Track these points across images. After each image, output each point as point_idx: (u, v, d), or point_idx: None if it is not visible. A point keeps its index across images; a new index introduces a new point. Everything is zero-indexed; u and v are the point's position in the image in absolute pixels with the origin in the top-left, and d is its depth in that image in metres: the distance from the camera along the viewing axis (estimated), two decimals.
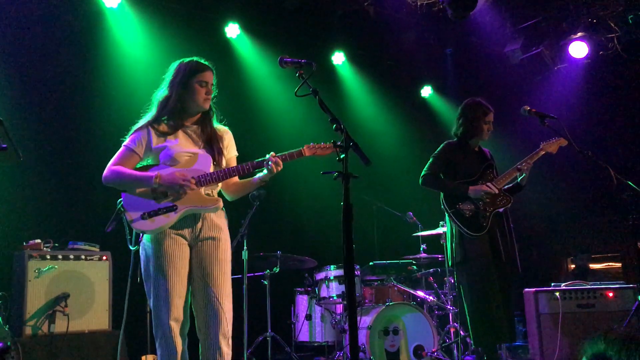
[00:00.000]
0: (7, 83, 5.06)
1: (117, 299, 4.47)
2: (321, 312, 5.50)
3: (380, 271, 5.87)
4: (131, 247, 3.00)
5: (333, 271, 5.26)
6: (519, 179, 4.24)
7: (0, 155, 2.14)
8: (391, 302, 5.17)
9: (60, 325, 4.15)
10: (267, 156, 2.94)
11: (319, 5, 6.65)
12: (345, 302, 5.18)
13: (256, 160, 2.97)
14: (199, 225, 2.96)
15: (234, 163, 3.15)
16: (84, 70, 5.53)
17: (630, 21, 6.65)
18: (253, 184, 3.09)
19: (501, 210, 4.16)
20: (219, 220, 3.03)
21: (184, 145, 3.00)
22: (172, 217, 2.89)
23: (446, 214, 4.20)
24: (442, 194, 4.24)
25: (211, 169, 3.00)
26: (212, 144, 3.07)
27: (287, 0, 6.53)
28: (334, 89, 7.36)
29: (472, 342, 4.06)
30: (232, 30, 6.45)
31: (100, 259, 4.47)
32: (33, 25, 5.25)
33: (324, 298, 5.28)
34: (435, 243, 5.69)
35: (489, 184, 4.16)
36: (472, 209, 4.12)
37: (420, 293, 5.55)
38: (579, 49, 7.09)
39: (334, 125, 2.59)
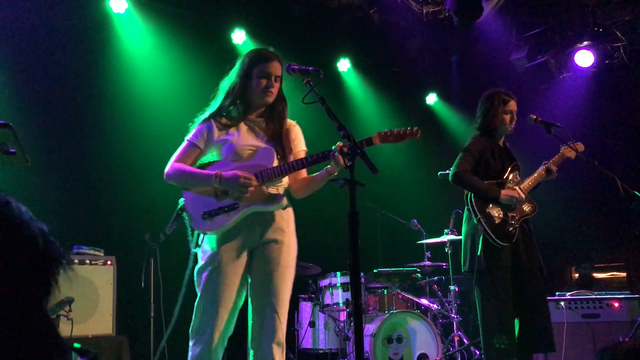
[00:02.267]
0: (16, 88, 5.08)
1: (122, 303, 4.47)
2: (325, 319, 5.48)
3: (384, 279, 5.86)
4: (193, 249, 2.84)
5: (337, 278, 5.26)
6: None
7: (8, 159, 2.15)
8: (395, 310, 5.16)
9: (64, 330, 4.13)
10: (334, 147, 2.70)
11: (324, 12, 6.66)
12: (349, 310, 5.17)
13: (322, 152, 2.75)
14: (262, 226, 2.80)
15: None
16: (91, 75, 5.55)
17: None
18: (319, 179, 2.85)
19: (528, 217, 3.84)
20: (284, 221, 2.86)
21: (246, 138, 2.85)
22: (234, 217, 2.75)
23: (470, 216, 3.81)
24: (470, 194, 3.80)
25: (275, 164, 2.83)
26: (277, 137, 2.89)
27: (293, 7, 6.56)
28: (339, 95, 7.37)
29: (483, 354, 3.77)
30: (238, 36, 6.47)
31: (104, 264, 4.47)
32: (40, 30, 5.27)
33: (328, 305, 5.27)
34: (439, 251, 5.69)
35: (516, 188, 3.83)
36: (501, 215, 3.75)
37: (424, 301, 5.54)
38: (585, 58, 7.08)
39: (341, 133, 2.60)
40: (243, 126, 2.88)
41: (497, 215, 3.74)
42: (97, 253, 4.52)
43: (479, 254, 3.69)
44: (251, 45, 6.64)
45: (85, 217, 5.28)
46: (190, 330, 2.77)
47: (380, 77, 7.67)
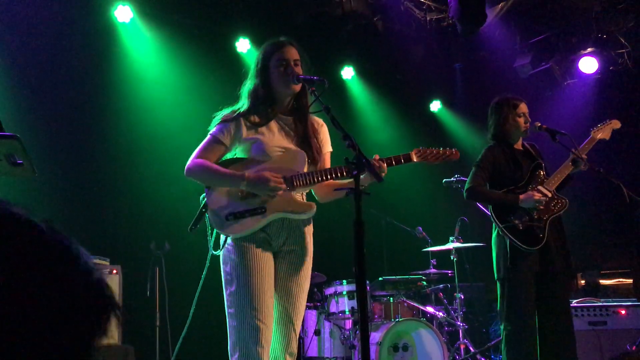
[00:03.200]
0: (22, 98, 5.11)
1: (127, 312, 4.48)
2: (330, 328, 5.47)
3: (389, 287, 5.84)
4: (213, 252, 2.69)
5: (343, 286, 5.25)
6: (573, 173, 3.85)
7: (16, 170, 2.16)
8: (401, 318, 5.14)
9: None
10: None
11: (328, 20, 6.68)
12: (354, 318, 5.16)
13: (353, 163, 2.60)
14: (286, 233, 2.69)
15: (328, 160, 2.87)
16: (97, 84, 5.59)
17: None
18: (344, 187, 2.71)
19: (558, 215, 3.76)
20: (307, 228, 2.78)
21: (277, 138, 2.73)
22: (261, 221, 2.63)
23: (496, 227, 3.79)
24: (490, 206, 3.81)
25: (305, 169, 2.73)
26: (308, 139, 2.77)
27: (297, 15, 6.58)
28: (343, 103, 7.38)
29: None
30: (243, 45, 6.49)
31: (110, 273, 4.48)
32: (46, 41, 5.31)
33: (333, 313, 5.26)
34: (445, 258, 5.67)
35: (539, 187, 3.74)
36: (526, 220, 3.68)
37: (430, 309, 5.52)
38: (589, 64, 7.08)
39: (346, 142, 2.58)
40: (274, 125, 2.76)
41: (521, 221, 3.69)
42: (102, 262, 4.54)
43: (508, 263, 3.66)
44: (256, 54, 6.66)
45: (91, 226, 5.29)
46: (230, 349, 2.60)
47: (384, 85, 7.68)
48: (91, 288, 0.69)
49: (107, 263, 4.56)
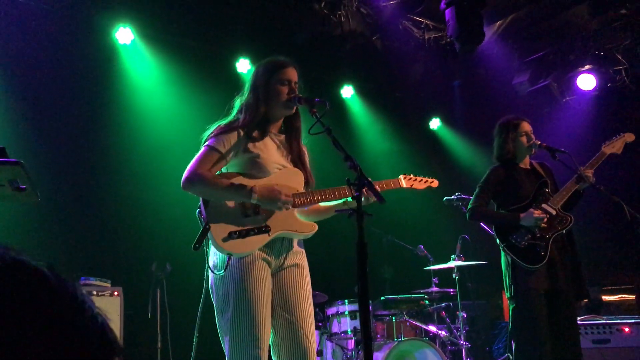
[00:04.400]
0: (23, 122, 5.13)
1: (129, 334, 4.45)
2: (332, 348, 5.43)
3: (391, 306, 5.82)
4: (218, 272, 2.54)
5: (345, 306, 5.22)
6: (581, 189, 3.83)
7: (19, 195, 2.16)
8: (403, 337, 5.11)
9: None
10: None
11: (328, 40, 6.74)
12: (357, 338, 5.13)
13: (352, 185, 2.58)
14: (285, 251, 2.66)
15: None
16: (98, 106, 5.62)
17: None
18: (331, 210, 2.77)
19: (562, 232, 3.77)
20: (301, 244, 2.77)
21: (274, 155, 2.70)
22: (265, 239, 2.57)
23: (500, 246, 3.83)
24: (493, 226, 3.89)
25: (302, 188, 2.71)
26: (302, 159, 2.78)
27: (297, 35, 6.64)
28: (343, 122, 7.41)
29: None
30: (243, 65, 6.54)
31: (111, 295, 4.46)
32: (47, 64, 5.35)
33: (336, 334, 5.23)
34: (447, 277, 5.65)
35: (543, 205, 3.76)
36: (528, 238, 3.71)
37: (432, 328, 5.49)
38: (586, 81, 7.13)
39: (348, 164, 2.57)
40: (270, 142, 2.72)
41: (522, 239, 3.71)
42: (104, 284, 4.52)
43: (509, 281, 3.71)
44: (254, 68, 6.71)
45: (92, 249, 5.29)
46: None
47: (384, 103, 7.72)
48: (97, 334, 0.70)
49: (109, 285, 4.54)
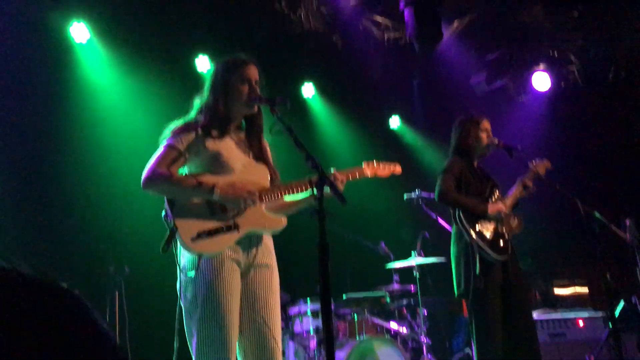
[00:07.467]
0: None
1: None
2: (295, 348, 5.42)
3: (353, 304, 5.82)
4: (187, 274, 2.50)
5: (307, 305, 5.21)
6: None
7: None
8: (365, 335, 5.13)
9: None
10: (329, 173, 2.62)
11: (288, 38, 6.72)
12: (319, 337, 5.13)
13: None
14: (255, 249, 2.62)
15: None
16: (53, 105, 5.45)
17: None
18: (298, 204, 2.76)
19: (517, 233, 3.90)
20: (271, 243, 2.74)
21: (236, 152, 2.68)
22: (234, 237, 2.54)
23: (461, 235, 3.80)
24: (458, 212, 3.82)
25: (267, 184, 2.70)
26: (264, 154, 2.77)
27: (257, 33, 6.59)
28: (304, 120, 7.40)
29: None
30: (202, 62, 6.44)
31: None
32: (0, 61, 5.16)
33: (299, 334, 5.21)
34: (408, 273, 5.69)
35: (500, 203, 3.87)
36: (493, 229, 3.78)
37: (393, 325, 5.53)
38: (541, 81, 7.30)
39: (309, 164, 2.56)
40: (230, 140, 2.69)
41: (488, 230, 3.77)
42: None
43: (477, 273, 3.66)
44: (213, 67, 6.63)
45: (46, 249, 5.13)
46: None
47: (345, 102, 7.74)
48: (113, 353, 0.71)
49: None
